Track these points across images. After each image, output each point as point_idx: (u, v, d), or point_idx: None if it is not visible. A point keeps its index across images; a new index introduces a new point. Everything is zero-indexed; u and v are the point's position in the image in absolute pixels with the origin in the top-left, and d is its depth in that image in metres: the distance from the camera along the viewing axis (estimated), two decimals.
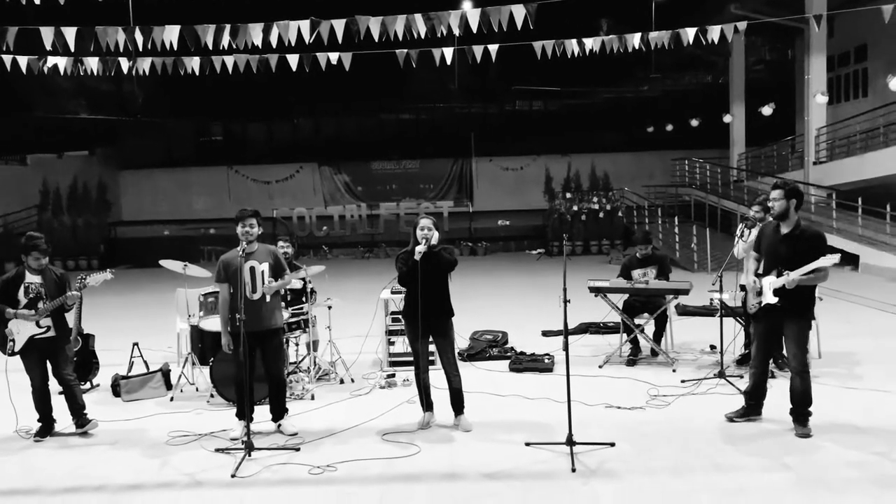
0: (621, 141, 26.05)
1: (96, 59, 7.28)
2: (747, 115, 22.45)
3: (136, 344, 8.03)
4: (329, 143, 28.65)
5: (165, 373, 7.29)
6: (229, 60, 7.28)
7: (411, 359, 7.76)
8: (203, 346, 7.18)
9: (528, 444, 5.35)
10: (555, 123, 27.43)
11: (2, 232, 20.75)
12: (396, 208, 25.05)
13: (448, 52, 7.41)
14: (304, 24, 6.02)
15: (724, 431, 5.57)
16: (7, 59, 7.17)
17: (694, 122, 23.02)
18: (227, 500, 4.62)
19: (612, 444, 5.26)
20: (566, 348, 5.37)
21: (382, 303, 7.90)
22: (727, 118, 21.88)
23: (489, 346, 8.41)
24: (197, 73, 7.35)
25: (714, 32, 7.60)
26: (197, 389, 7.19)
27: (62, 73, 7.35)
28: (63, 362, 5.99)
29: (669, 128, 25.26)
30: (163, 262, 7.45)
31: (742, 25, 7.56)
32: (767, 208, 7.01)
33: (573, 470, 4.84)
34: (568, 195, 20.99)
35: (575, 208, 20.61)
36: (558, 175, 22.38)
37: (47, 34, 5.98)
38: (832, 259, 5.18)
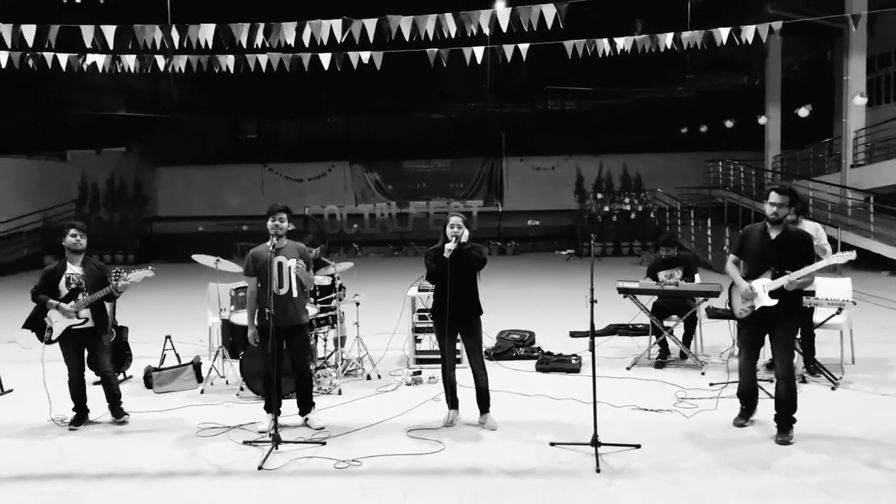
0: (654, 142, 25.78)
1: (133, 56, 7.43)
2: (783, 116, 22.10)
3: (168, 337, 8.18)
4: (360, 142, 28.81)
5: (196, 366, 7.42)
6: (263, 59, 7.39)
7: (438, 356, 7.84)
8: (234, 339, 7.28)
9: (553, 444, 5.35)
10: (587, 124, 27.25)
11: (42, 226, 21.22)
12: (426, 207, 25.12)
13: (479, 52, 7.43)
14: (337, 24, 6.08)
15: (751, 434, 5.52)
16: (48, 56, 7.37)
17: (728, 124, 22.72)
18: (255, 491, 4.70)
19: (638, 446, 5.24)
20: (592, 349, 5.37)
21: (409, 300, 7.96)
22: (762, 120, 21.57)
23: (516, 346, 8.42)
24: (231, 71, 7.46)
25: (748, 32, 7.52)
26: (227, 382, 7.31)
27: (100, 70, 7.51)
28: (100, 353, 6.13)
29: (703, 129, 24.96)
30: (196, 257, 7.59)
31: (777, 25, 7.46)
32: (802, 209, 6.95)
33: (598, 470, 4.84)
34: (599, 195, 20.85)
35: (606, 209, 20.48)
36: (590, 175, 22.25)
37: (87, 32, 6.14)
38: (847, 256, 5.26)
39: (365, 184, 29.25)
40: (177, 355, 8.01)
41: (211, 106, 27.03)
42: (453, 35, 6.15)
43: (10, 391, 7.28)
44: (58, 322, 5.99)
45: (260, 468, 5.04)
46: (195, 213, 27.20)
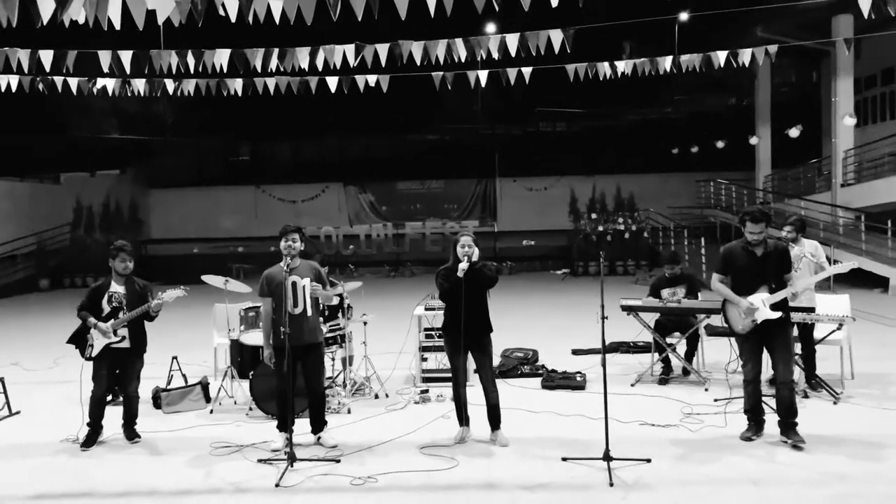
0: (646, 162, 26.09)
1: (143, 80, 7.54)
2: (773, 136, 22.45)
3: (175, 358, 8.24)
4: (354, 163, 28.97)
5: (205, 386, 7.45)
6: (271, 82, 7.53)
7: (444, 375, 7.93)
8: (242, 359, 7.35)
9: (564, 459, 5.43)
10: (579, 144, 27.54)
11: (36, 249, 21.17)
12: (422, 227, 25.25)
13: (483, 76, 7.59)
14: (350, 48, 6.23)
15: (760, 448, 5.61)
16: (59, 80, 7.48)
17: (719, 144, 23.04)
18: None
19: (649, 461, 5.33)
20: (604, 363, 5.48)
21: (416, 319, 8.04)
22: (753, 140, 21.89)
23: (520, 364, 8.49)
24: (239, 95, 7.58)
25: (745, 56, 7.73)
26: (235, 402, 7.35)
27: (110, 94, 7.62)
28: (131, 376, 6.21)
29: (695, 149, 25.27)
30: (205, 278, 7.65)
31: (773, 49, 7.66)
32: (801, 227, 7.16)
33: (611, 484, 4.92)
34: (593, 216, 21.06)
35: (601, 229, 20.67)
36: (583, 196, 22.47)
37: (105, 57, 6.25)
38: (849, 266, 5.89)
39: (359, 205, 29.39)
40: (183, 376, 8.05)
41: (204, 128, 27.12)
42: (463, 59, 6.30)
43: (18, 412, 7.29)
44: (98, 339, 6.07)
45: (277, 486, 5.09)
46: (189, 235, 27.21)
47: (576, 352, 9.56)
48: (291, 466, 5.35)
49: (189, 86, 7.53)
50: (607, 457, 5.17)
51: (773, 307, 5.59)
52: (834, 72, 18.53)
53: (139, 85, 7.54)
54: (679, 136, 26.44)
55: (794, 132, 18.81)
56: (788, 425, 5.62)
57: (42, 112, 20.93)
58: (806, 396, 6.88)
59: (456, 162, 28.09)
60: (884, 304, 13.07)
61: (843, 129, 18.40)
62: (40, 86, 7.47)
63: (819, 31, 17.50)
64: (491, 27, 17.29)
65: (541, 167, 27.19)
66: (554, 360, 8.81)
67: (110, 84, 7.53)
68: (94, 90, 7.55)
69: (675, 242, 19.98)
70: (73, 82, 7.50)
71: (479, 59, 6.37)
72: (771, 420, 5.87)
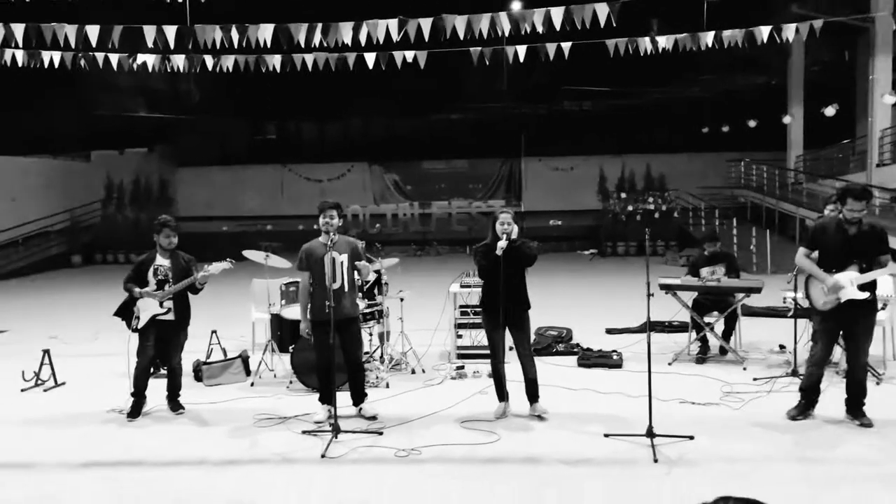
0: (674, 142, 25.79)
1: (182, 56, 7.58)
2: (805, 116, 22.07)
3: (214, 332, 8.35)
4: (379, 143, 28.95)
5: (245, 359, 7.55)
6: (309, 58, 7.52)
7: (479, 352, 7.98)
8: (282, 333, 7.43)
9: (606, 435, 5.44)
10: (605, 124, 27.26)
11: (69, 225, 21.49)
12: (448, 207, 25.23)
13: (521, 51, 7.53)
14: (393, 23, 6.21)
15: (803, 426, 5.59)
16: (100, 56, 7.53)
17: (751, 123, 22.69)
18: (321, 478, 4.82)
19: (692, 438, 5.32)
20: (649, 341, 5.48)
21: (451, 296, 8.06)
22: (787, 119, 21.53)
23: (555, 342, 8.50)
24: (278, 70, 7.59)
25: (789, 31, 7.58)
26: (275, 376, 7.44)
27: (150, 69, 7.66)
28: (175, 348, 6.32)
29: (725, 129, 24.93)
30: (246, 253, 7.72)
31: (818, 23, 7.51)
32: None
33: (655, 460, 4.92)
34: (623, 195, 20.91)
35: (630, 208, 20.53)
36: (612, 175, 22.30)
37: (149, 32, 6.29)
38: None
39: (384, 184, 29.40)
40: (223, 349, 8.16)
41: (231, 107, 27.24)
42: (506, 34, 6.25)
43: (64, 383, 7.44)
44: (144, 311, 6.17)
45: (323, 456, 5.15)
46: (215, 213, 27.42)
47: (610, 331, 9.55)
48: (336, 438, 5.42)
49: (228, 62, 7.54)
50: (651, 433, 5.18)
51: (861, 288, 5.43)
52: (872, 48, 18.13)
53: (178, 61, 7.57)
54: (709, 115, 26.09)
55: (830, 111, 18.48)
56: (857, 406, 5.57)
57: (71, 91, 21.16)
58: (878, 377, 6.81)
59: (480, 141, 27.97)
60: None
61: (880, 108, 18.03)
62: (82, 62, 7.53)
63: (855, 7, 17.12)
64: (516, 5, 17.13)
65: (566, 147, 26.98)
66: (587, 339, 8.81)
67: (150, 60, 7.56)
68: (135, 66, 7.59)
69: (705, 223, 19.78)
70: (114, 58, 7.55)
71: (523, 32, 6.32)
72: (822, 401, 5.80)
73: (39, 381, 7.38)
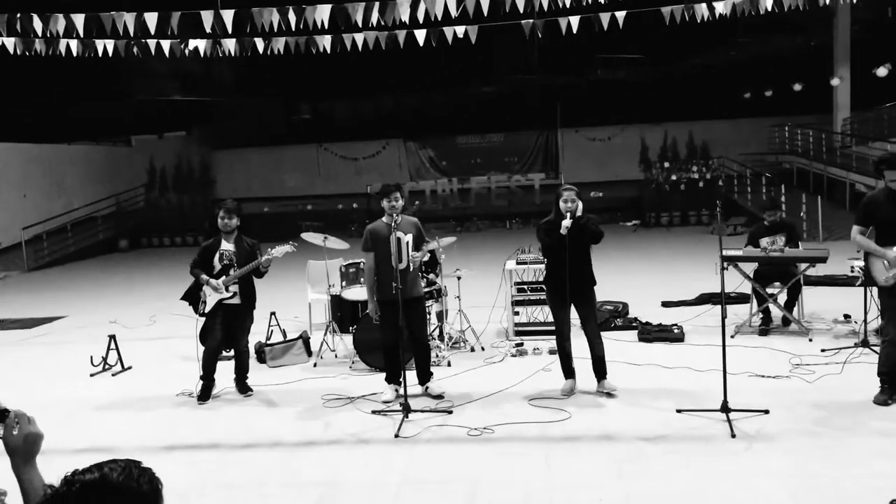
0: (717, 108, 25.23)
1: (233, 40, 7.58)
2: (852, 76, 21.41)
3: (273, 313, 8.43)
4: (413, 119, 28.83)
5: (306, 340, 7.63)
6: (359, 38, 7.47)
7: (536, 329, 7.96)
8: (342, 314, 7.47)
9: (679, 411, 5.39)
10: (644, 92, 26.74)
11: (115, 210, 21.85)
12: (487, 182, 25.09)
13: (575, 21, 7.39)
14: None
15: (888, 407, 5.46)
16: (152, 43, 7.57)
17: (797, 87, 22.10)
18: (400, 457, 4.86)
19: (767, 412, 5.25)
20: (723, 314, 5.40)
21: (507, 273, 8.03)
22: (835, 81, 20.90)
23: (612, 317, 8.44)
24: (329, 52, 7.56)
25: None
26: (336, 356, 7.51)
27: (202, 55, 7.68)
28: (241, 331, 6.40)
29: (768, 93, 24.32)
30: (304, 236, 7.77)
31: None
32: (883, 173, 6.77)
33: (733, 435, 4.87)
34: (666, 164, 20.58)
35: (674, 178, 20.21)
36: (654, 144, 21.94)
37: (207, 17, 6.29)
38: None
39: (419, 160, 29.33)
40: (282, 331, 8.25)
41: (265, 88, 27.31)
42: (568, 5, 6.12)
43: (130, 368, 7.59)
44: (211, 296, 6.25)
45: (396, 436, 5.19)
46: (254, 194, 27.64)
47: (666, 304, 9.44)
48: (407, 417, 5.45)
49: (279, 44, 7.53)
50: (725, 408, 5.12)
51: None
52: None
53: (230, 45, 7.57)
54: (750, 80, 25.47)
55: (882, 71, 17.92)
56: None
57: (108, 77, 21.41)
58: None
59: (515, 114, 27.68)
60: None
61: None
62: (135, 49, 7.58)
63: None
64: None
65: (603, 117, 26.57)
66: (644, 313, 8.72)
67: (202, 45, 7.58)
68: (187, 52, 7.61)
69: (751, 190, 19.40)
70: (166, 45, 7.58)
71: (585, 3, 6.19)
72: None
73: (107, 366, 7.55)
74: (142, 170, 23.09)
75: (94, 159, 22.52)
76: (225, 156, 28.62)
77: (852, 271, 7.52)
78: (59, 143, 21.21)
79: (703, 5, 7.35)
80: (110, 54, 7.49)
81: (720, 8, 7.37)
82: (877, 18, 23.45)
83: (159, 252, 20.68)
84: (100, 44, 7.42)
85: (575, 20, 7.40)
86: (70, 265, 18.41)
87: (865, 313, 6.81)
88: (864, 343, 6.70)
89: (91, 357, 7.55)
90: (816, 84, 22.12)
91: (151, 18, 6.23)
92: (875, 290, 6.47)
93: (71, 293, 13.71)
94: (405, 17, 6.23)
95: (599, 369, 6.00)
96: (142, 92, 24.37)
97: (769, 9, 7.41)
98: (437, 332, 7.59)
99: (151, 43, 7.54)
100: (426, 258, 7.67)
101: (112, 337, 7.63)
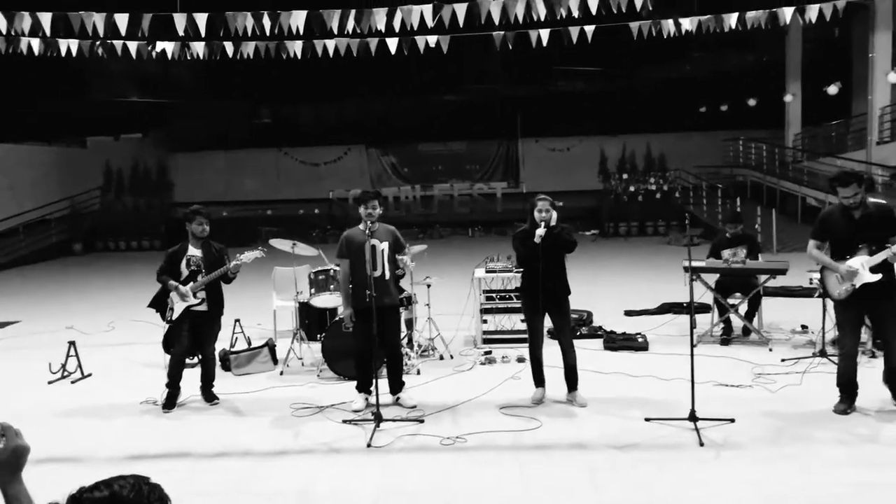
0: (673, 121, 25.76)
1: (202, 44, 7.48)
2: (803, 93, 22.09)
3: (237, 320, 8.32)
4: (376, 125, 28.74)
5: (272, 348, 7.54)
6: (330, 44, 7.45)
7: (504, 337, 8.01)
8: (310, 321, 7.42)
9: (647, 420, 5.48)
10: (602, 104, 27.12)
11: (69, 213, 21.30)
12: (450, 189, 25.15)
13: (545, 34, 7.49)
14: (427, 9, 6.15)
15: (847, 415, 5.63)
16: (118, 44, 7.43)
17: (751, 102, 22.72)
18: (371, 467, 4.84)
19: (733, 420, 5.37)
20: (692, 326, 5.49)
21: (476, 281, 8.07)
22: (788, 97, 21.56)
23: (577, 325, 8.54)
24: (299, 57, 7.53)
25: (812, 12, 7.58)
26: (303, 364, 7.44)
27: (169, 58, 7.57)
28: (208, 338, 6.30)
29: (723, 108, 24.93)
30: (273, 242, 7.68)
31: (841, 4, 7.51)
32: (869, 185, 7.04)
33: (701, 444, 4.97)
34: (625, 176, 20.94)
35: (632, 189, 20.57)
36: (612, 155, 22.31)
37: (180, 20, 6.20)
38: None
39: (381, 167, 29.29)
40: (247, 338, 8.15)
41: (225, 90, 26.94)
42: (542, 18, 6.20)
43: (90, 375, 7.41)
44: (178, 302, 6.14)
45: (369, 445, 5.17)
46: (212, 198, 27.19)
47: (628, 313, 9.60)
48: (378, 427, 5.43)
49: (249, 48, 7.47)
50: (693, 417, 5.22)
51: (873, 270, 5.37)
52: (872, 26, 18.14)
53: (198, 48, 7.48)
54: (705, 94, 26.03)
55: (832, 89, 18.52)
56: None
57: (63, 77, 20.88)
58: (874, 356, 6.88)
59: (477, 123, 27.83)
60: None
61: (880, 86, 18.07)
62: (99, 50, 7.43)
63: None
64: None
65: (563, 128, 26.90)
66: (606, 322, 8.84)
67: (169, 47, 7.47)
68: (154, 54, 7.50)
69: (706, 202, 19.84)
70: (133, 46, 7.45)
71: (558, 17, 6.29)
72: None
73: (66, 373, 7.35)
74: (97, 172, 22.56)
75: (47, 160, 21.92)
76: (183, 159, 28.14)
77: (811, 283, 7.75)
78: (10, 144, 20.57)
79: (670, 21, 7.53)
80: (74, 54, 7.32)
81: (686, 24, 7.55)
82: (827, 37, 24.29)
83: (115, 256, 20.23)
84: (63, 44, 7.26)
85: (545, 33, 7.50)
86: (22, 268, 17.88)
87: (823, 324, 7.03)
88: (822, 353, 6.91)
89: (49, 364, 7.35)
90: (769, 100, 22.75)
91: (122, 19, 6.12)
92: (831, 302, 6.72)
93: (23, 297, 13.31)
94: (381, 26, 6.25)
95: (571, 378, 6.07)
96: (98, 93, 23.83)
97: (733, 26, 7.62)
98: (406, 341, 7.58)
99: (118, 44, 7.41)
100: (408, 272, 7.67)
101: (72, 343, 7.44)
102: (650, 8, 6.12)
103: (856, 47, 21.15)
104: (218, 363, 7.35)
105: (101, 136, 25.28)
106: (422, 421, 5.65)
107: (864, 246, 5.41)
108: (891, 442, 4.95)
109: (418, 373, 7.01)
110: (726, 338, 7.85)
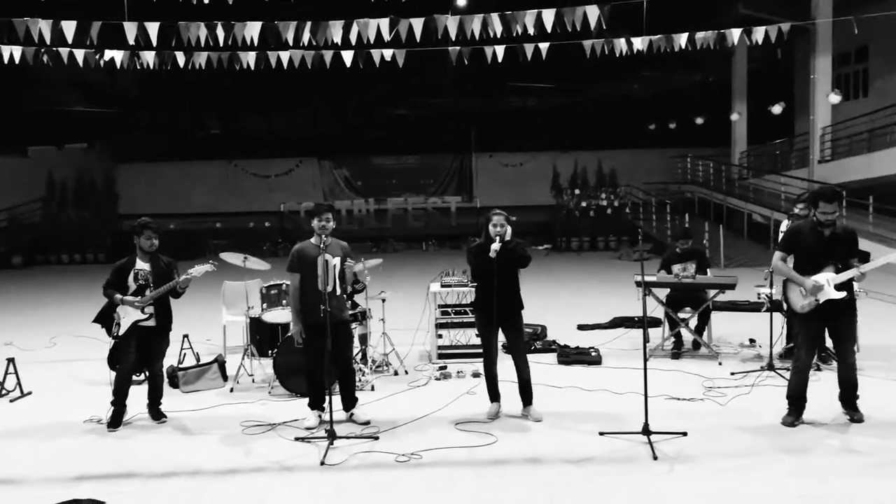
0: (623, 138, 26.27)
1: (153, 53, 7.33)
2: (748, 112, 22.78)
3: (186, 336, 8.13)
4: (328, 138, 28.57)
5: (221, 364, 7.38)
6: (285, 56, 7.38)
7: (458, 352, 7.99)
8: (261, 337, 7.28)
9: (602, 434, 5.51)
10: (554, 120, 27.49)
11: (8, 224, 20.58)
12: (404, 203, 25.12)
13: (500, 51, 7.54)
14: (384, 22, 6.13)
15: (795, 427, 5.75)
16: (64, 52, 7.23)
17: (699, 120, 23.33)
18: (327, 486, 4.74)
19: (685, 434, 5.43)
20: (645, 338, 5.57)
21: (432, 296, 8.04)
22: (734, 116, 22.19)
23: (531, 339, 8.57)
24: (252, 69, 7.43)
25: (759, 34, 7.82)
26: (254, 381, 7.29)
27: (118, 66, 7.39)
28: (156, 354, 6.12)
29: (671, 126, 25.54)
30: (223, 256, 7.52)
31: (786, 27, 7.76)
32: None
33: (654, 457, 5.01)
34: (576, 191, 21.23)
35: (583, 204, 20.86)
36: (564, 171, 22.62)
37: (130, 29, 6.05)
38: None
39: (334, 180, 29.13)
40: (196, 354, 7.96)
41: (174, 101, 26.42)
42: (499, 35, 6.25)
43: (30, 393, 7.13)
44: (125, 317, 5.94)
45: (322, 463, 5.08)
46: (159, 210, 26.62)
47: (581, 327, 9.68)
48: (332, 444, 5.34)
49: (201, 59, 7.34)
50: (647, 430, 5.27)
51: (838, 288, 5.53)
52: (813, 49, 18.82)
53: (148, 58, 7.32)
54: (654, 112, 26.64)
55: (776, 109, 19.11)
56: (850, 401, 5.69)
57: (2, 83, 20.19)
58: (818, 370, 7.05)
59: (430, 137, 27.94)
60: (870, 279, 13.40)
61: (822, 106, 18.74)
62: (45, 58, 7.21)
63: (798, 8, 17.74)
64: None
65: (515, 143, 27.20)
66: (560, 336, 8.91)
67: (118, 56, 7.30)
68: (102, 62, 7.31)
69: (656, 218, 20.24)
70: (80, 54, 7.25)
71: (514, 34, 6.34)
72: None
73: (4, 392, 7.06)
74: (39, 182, 21.88)
75: None
76: (130, 170, 27.56)
77: (759, 298, 7.93)
78: None
79: (623, 40, 7.67)
80: (17, 61, 7.09)
81: (638, 43, 7.70)
82: (771, 58, 25.11)
83: (57, 269, 19.62)
84: (6, 50, 7.03)
85: (500, 49, 7.56)
86: None
87: (771, 338, 7.19)
88: (770, 367, 7.06)
89: None
90: (716, 118, 23.37)
91: (69, 27, 5.95)
92: (778, 315, 6.87)
93: None
94: (337, 39, 6.20)
95: (526, 393, 6.07)
96: (39, 101, 23.13)
97: (683, 46, 7.79)
98: (360, 356, 7.50)
99: (64, 52, 7.20)
100: (360, 287, 7.59)
101: (11, 360, 7.15)
102: (604, 27, 6.22)
103: (798, 69, 21.92)
104: (166, 380, 7.19)
105: (43, 146, 24.55)
106: (376, 438, 5.57)
107: (831, 264, 5.55)
108: (837, 453, 5.07)
109: (373, 388, 6.93)
110: (677, 351, 7.97)
